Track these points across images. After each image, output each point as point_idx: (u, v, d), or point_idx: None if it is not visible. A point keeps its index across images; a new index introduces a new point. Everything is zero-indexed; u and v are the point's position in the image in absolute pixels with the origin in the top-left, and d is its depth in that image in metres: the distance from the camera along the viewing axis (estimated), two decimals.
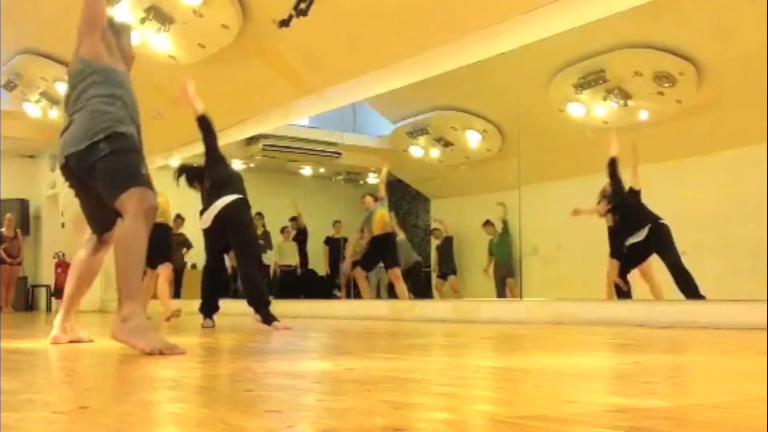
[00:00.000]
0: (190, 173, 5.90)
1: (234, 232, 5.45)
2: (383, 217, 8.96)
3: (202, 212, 5.58)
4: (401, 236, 10.35)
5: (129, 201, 3.03)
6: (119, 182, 3.08)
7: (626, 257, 6.73)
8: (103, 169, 3.11)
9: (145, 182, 3.12)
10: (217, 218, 5.39)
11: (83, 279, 3.50)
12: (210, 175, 5.64)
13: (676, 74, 7.63)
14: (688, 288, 6.07)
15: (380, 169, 9.90)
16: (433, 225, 11.42)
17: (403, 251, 10.04)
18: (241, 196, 5.46)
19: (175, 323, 6.87)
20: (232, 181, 5.60)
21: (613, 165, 6.87)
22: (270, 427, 1.30)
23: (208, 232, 5.58)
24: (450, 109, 10.28)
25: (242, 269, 5.56)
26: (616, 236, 6.95)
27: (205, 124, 5.54)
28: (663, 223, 6.46)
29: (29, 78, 10.47)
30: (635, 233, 6.56)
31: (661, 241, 6.38)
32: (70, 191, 3.46)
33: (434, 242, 11.35)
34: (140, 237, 3.02)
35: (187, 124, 5.85)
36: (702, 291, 6.10)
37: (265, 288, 5.58)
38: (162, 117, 9.05)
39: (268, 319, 5.15)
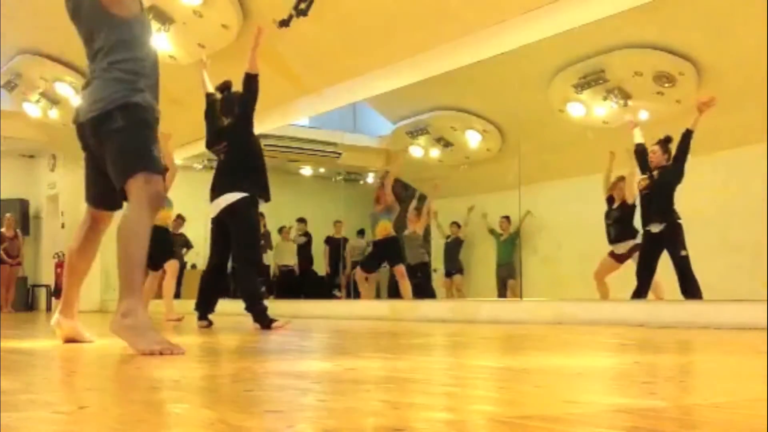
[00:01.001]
0: (230, 98, 5.56)
1: (236, 231, 5.40)
2: (385, 228, 8.94)
3: (211, 194, 5.44)
4: (418, 231, 10.26)
5: (134, 186, 3.00)
6: (128, 164, 3.05)
7: (642, 253, 6.66)
8: (114, 145, 3.08)
9: (154, 167, 3.09)
10: (222, 213, 5.32)
11: (78, 264, 3.45)
12: (231, 146, 5.42)
13: (676, 74, 7.63)
14: (690, 291, 6.06)
15: (384, 172, 9.77)
16: (456, 220, 11.32)
17: (413, 247, 10.01)
18: (248, 194, 5.27)
19: (175, 323, 6.87)
20: (249, 173, 5.37)
21: (688, 138, 6.46)
22: (270, 427, 1.30)
23: (214, 222, 5.50)
24: (450, 109, 10.28)
25: (237, 271, 5.49)
26: (635, 211, 6.77)
27: (254, 83, 5.33)
28: (680, 223, 6.38)
29: (29, 78, 10.47)
30: (655, 222, 6.46)
31: (673, 239, 6.31)
32: None
33: (441, 238, 11.30)
34: (144, 225, 3.00)
35: (187, 124, 5.85)
36: (702, 291, 6.10)
37: (259, 292, 5.40)
38: (162, 117, 9.04)
39: (264, 323, 5.12)
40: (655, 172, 6.58)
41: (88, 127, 3.16)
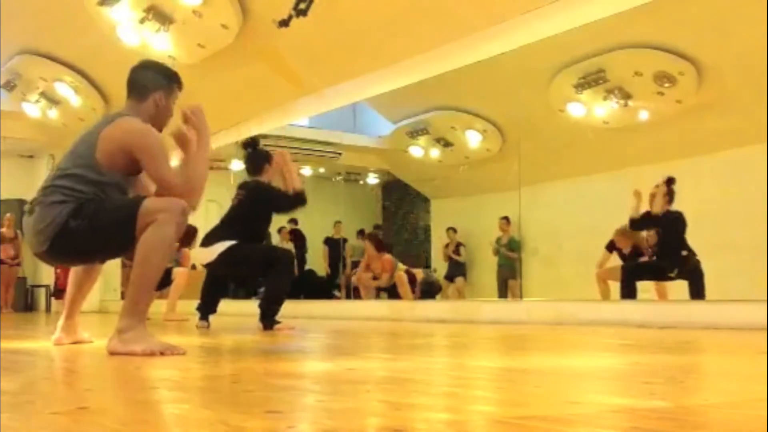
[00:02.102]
0: (260, 156, 5.41)
1: (247, 270, 5.42)
2: (402, 276, 8.98)
3: (205, 239, 5.37)
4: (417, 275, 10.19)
5: (149, 214, 2.81)
6: (124, 224, 2.84)
7: (641, 268, 6.71)
8: (95, 238, 2.89)
9: (144, 197, 2.94)
10: (216, 264, 5.23)
11: (83, 283, 3.47)
12: (244, 200, 5.33)
13: (676, 74, 7.63)
14: (698, 291, 6.14)
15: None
16: (453, 226, 11.32)
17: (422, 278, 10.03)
18: (236, 241, 5.14)
19: (174, 323, 6.86)
20: (250, 228, 5.28)
21: (671, 185, 6.51)
22: (270, 427, 1.30)
23: (208, 266, 5.42)
24: (450, 109, 10.28)
25: (272, 272, 5.31)
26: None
27: (303, 198, 5.24)
28: (697, 260, 6.35)
29: (29, 78, 10.47)
30: (672, 270, 6.44)
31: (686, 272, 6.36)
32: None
33: (443, 242, 11.33)
34: (167, 243, 2.83)
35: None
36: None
37: (282, 299, 5.25)
38: None
39: (267, 324, 5.12)
40: (658, 230, 6.54)
41: (47, 256, 3.01)
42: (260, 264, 5.26)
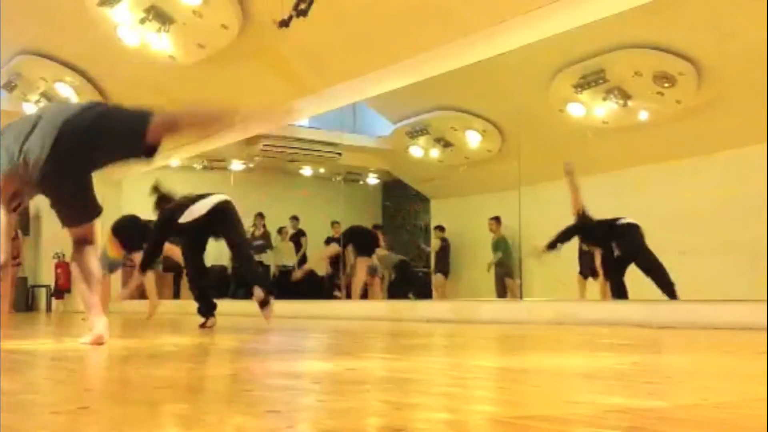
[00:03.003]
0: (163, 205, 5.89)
1: (234, 230, 5.50)
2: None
3: (179, 207, 5.52)
4: (383, 253, 10.49)
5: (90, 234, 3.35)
6: (83, 213, 3.35)
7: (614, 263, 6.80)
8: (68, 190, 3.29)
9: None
10: (212, 212, 5.37)
11: (88, 278, 3.54)
12: None
13: (676, 74, 7.63)
14: (663, 284, 6.15)
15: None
16: (440, 224, 11.49)
17: (385, 261, 10.30)
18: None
19: (174, 323, 6.87)
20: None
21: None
22: (270, 427, 1.30)
23: (194, 225, 5.45)
24: (450, 109, 10.28)
25: (246, 264, 5.69)
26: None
27: None
28: (624, 224, 6.45)
29: (29, 78, 10.47)
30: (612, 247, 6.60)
31: (630, 246, 6.43)
32: None
33: (435, 241, 11.43)
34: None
35: None
36: (702, 291, 6.11)
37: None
38: None
39: (267, 298, 5.30)
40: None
41: (51, 153, 3.20)
42: (244, 239, 5.83)
